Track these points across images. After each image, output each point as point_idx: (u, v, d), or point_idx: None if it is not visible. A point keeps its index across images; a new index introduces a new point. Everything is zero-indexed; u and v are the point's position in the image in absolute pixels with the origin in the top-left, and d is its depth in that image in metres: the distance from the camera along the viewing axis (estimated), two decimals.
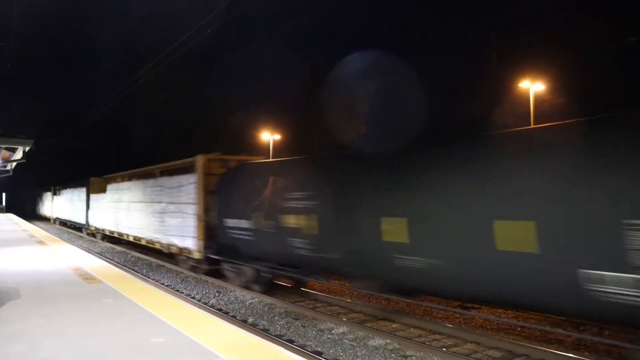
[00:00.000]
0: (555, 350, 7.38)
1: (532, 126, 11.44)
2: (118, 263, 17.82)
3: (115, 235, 23.39)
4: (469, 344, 8.02)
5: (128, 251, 21.64)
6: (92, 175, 29.83)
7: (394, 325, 9.17)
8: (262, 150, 35.12)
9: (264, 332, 8.88)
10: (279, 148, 36.75)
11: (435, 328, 8.81)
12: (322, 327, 9.19)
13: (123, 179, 22.89)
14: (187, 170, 15.69)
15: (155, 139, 45.23)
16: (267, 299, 11.39)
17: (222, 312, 10.52)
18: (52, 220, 44.77)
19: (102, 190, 25.96)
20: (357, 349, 7.93)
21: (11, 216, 44.11)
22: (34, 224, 34.47)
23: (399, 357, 7.54)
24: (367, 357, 7.56)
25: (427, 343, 8.07)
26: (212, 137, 39.64)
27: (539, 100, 25.60)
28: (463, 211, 6.89)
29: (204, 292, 12.60)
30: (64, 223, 38.35)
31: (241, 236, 12.02)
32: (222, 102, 42.65)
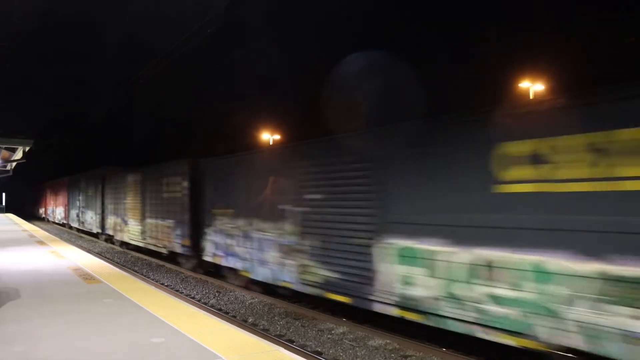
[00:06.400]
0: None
1: None
2: (118, 263, 17.83)
3: None
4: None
5: (128, 251, 21.65)
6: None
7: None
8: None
9: (264, 332, 8.88)
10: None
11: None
12: (322, 327, 9.19)
13: None
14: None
15: (154, 139, 45.24)
16: (267, 299, 11.40)
17: (222, 312, 10.52)
18: None
19: None
20: (357, 349, 7.93)
21: (11, 216, 44.12)
22: (33, 224, 34.47)
23: (399, 357, 7.54)
24: (367, 357, 7.56)
25: (427, 343, 8.07)
26: (212, 137, 39.64)
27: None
28: None
29: (204, 292, 12.60)
30: None
31: None
32: (221, 102, 42.68)
